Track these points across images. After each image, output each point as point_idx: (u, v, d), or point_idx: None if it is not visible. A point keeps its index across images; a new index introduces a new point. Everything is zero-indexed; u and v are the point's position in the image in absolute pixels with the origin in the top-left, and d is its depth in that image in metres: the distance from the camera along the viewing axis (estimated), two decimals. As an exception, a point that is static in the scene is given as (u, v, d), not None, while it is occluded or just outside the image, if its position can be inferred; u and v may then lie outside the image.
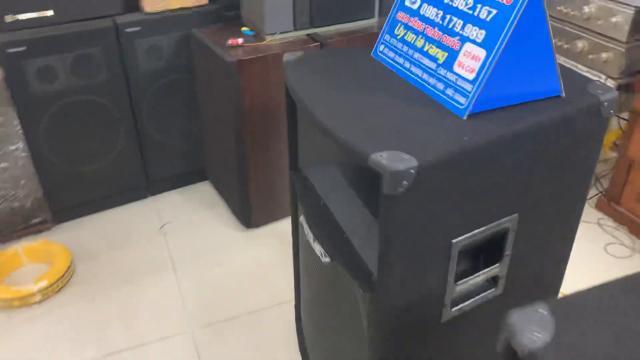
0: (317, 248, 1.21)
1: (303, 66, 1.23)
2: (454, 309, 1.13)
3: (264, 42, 1.85)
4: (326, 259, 1.18)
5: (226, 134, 1.98)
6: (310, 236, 1.25)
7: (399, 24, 1.19)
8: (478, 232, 1.06)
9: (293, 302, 1.78)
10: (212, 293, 1.84)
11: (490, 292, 1.18)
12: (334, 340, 1.37)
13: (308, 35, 1.91)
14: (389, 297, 1.02)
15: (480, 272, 1.13)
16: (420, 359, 1.19)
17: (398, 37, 1.19)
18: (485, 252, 1.15)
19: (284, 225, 2.13)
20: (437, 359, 1.23)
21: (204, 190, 2.34)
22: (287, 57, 1.26)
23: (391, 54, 1.20)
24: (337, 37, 1.90)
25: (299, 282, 1.61)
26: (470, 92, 0.98)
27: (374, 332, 1.11)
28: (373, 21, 2.01)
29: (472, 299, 1.15)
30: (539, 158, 1.05)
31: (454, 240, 1.03)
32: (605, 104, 1.07)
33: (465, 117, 0.99)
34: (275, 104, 1.88)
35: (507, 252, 1.14)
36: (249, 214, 2.06)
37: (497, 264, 1.15)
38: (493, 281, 1.17)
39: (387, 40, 1.22)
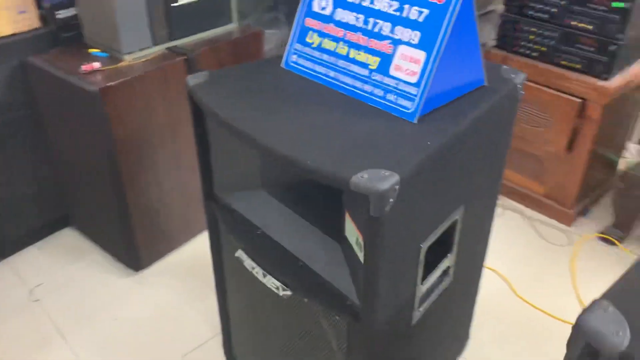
0: (271, 282, 1.12)
1: (216, 88, 1.11)
2: (420, 309, 1.14)
3: (123, 64, 1.64)
4: (285, 292, 1.10)
5: (95, 171, 1.73)
6: (257, 271, 1.14)
7: (311, 32, 1.13)
8: (438, 231, 1.07)
9: (214, 340, 1.64)
10: (118, 352, 1.61)
11: (444, 284, 1.21)
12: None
13: (169, 49, 1.75)
14: (374, 319, 0.98)
15: (438, 267, 1.15)
16: (396, 366, 1.17)
17: (313, 45, 1.13)
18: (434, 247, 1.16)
19: (176, 258, 1.95)
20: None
21: (68, 238, 2.03)
22: (192, 80, 1.12)
23: (309, 64, 1.13)
24: (201, 48, 1.77)
25: (227, 318, 1.48)
26: (416, 96, 0.97)
27: (354, 356, 1.06)
28: (232, 26, 1.91)
29: (433, 294, 1.17)
30: (477, 147, 1.09)
31: (422, 245, 1.03)
32: (518, 86, 1.15)
33: (415, 121, 0.98)
34: (151, 130, 1.69)
35: (456, 242, 1.17)
36: (136, 254, 1.84)
37: (448, 255, 1.18)
38: (445, 273, 1.20)
39: (299, 49, 1.15)
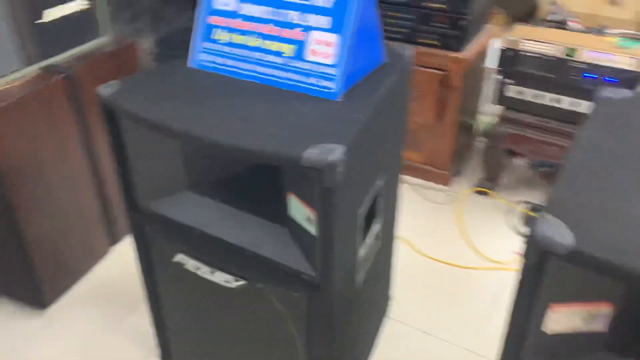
0: (220, 277, 1.13)
1: (133, 95, 1.09)
2: (362, 272, 1.23)
3: (-5, 88, 1.51)
4: (238, 283, 1.12)
5: (-22, 210, 1.57)
6: (204, 270, 1.15)
7: (216, 29, 1.16)
8: (369, 198, 1.17)
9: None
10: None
11: (375, 248, 1.31)
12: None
13: (44, 68, 1.64)
14: (331, 286, 1.05)
15: (370, 232, 1.25)
16: (349, 332, 1.25)
17: (221, 41, 1.16)
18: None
19: (83, 287, 1.84)
20: (357, 324, 1.32)
21: (-52, 292, 1.81)
22: (105, 90, 1.09)
23: (220, 60, 1.16)
24: (78, 64, 1.68)
25: (164, 331, 1.45)
26: (335, 76, 1.05)
27: (313, 330, 1.12)
28: (105, 39, 1.84)
29: (369, 258, 1.27)
30: (389, 119, 1.20)
31: (359, 211, 1.12)
32: (409, 60, 1.28)
33: (339, 99, 1.06)
34: (39, 155, 1.58)
35: (381, 208, 1.28)
36: (39, 291, 1.70)
37: (376, 221, 1.28)
38: (376, 238, 1.31)
39: (208, 47, 1.17)
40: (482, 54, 2.28)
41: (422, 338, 1.67)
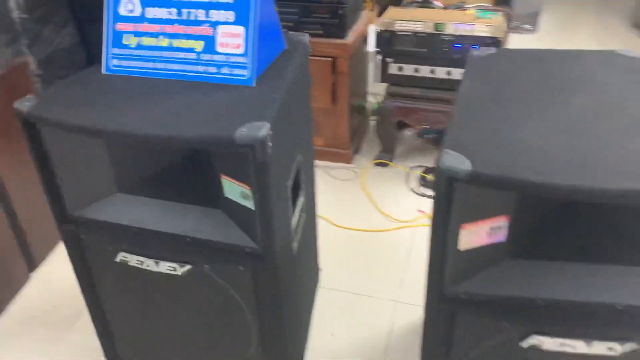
0: (166, 266, 1.19)
1: (53, 106, 1.12)
2: (296, 241, 1.35)
3: None
4: (184, 269, 1.19)
5: None
6: (148, 263, 1.20)
7: (125, 34, 1.22)
8: (293, 172, 1.28)
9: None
10: None
11: (303, 219, 1.43)
12: (198, 347, 1.38)
13: None
14: (274, 255, 1.15)
15: (297, 203, 1.37)
16: (292, 300, 1.36)
17: (131, 46, 1.22)
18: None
19: (11, 317, 1.78)
20: (297, 292, 1.43)
21: None
22: (22, 105, 1.11)
23: (132, 63, 1.22)
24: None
25: (111, 338, 1.47)
26: (247, 63, 1.16)
27: (261, 302, 1.22)
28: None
29: (299, 227, 1.39)
30: (297, 100, 1.33)
31: (287, 183, 1.23)
32: (307, 45, 1.42)
33: (253, 84, 1.16)
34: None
35: (303, 181, 1.41)
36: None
37: (301, 193, 1.40)
38: (302, 209, 1.43)
39: (118, 53, 1.22)
40: (363, 39, 2.47)
41: (354, 299, 1.82)
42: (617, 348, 0.98)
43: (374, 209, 2.23)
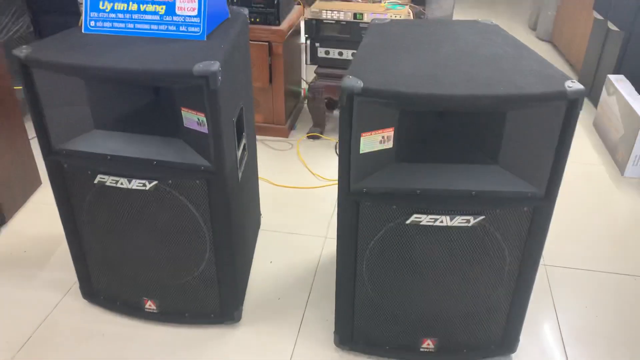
0: (137, 183, 1.50)
1: (45, 52, 1.42)
2: (241, 170, 1.69)
3: None
4: (152, 184, 1.50)
5: None
6: (122, 181, 1.51)
7: (101, 1, 1.53)
8: (237, 111, 1.63)
9: (68, 297, 1.85)
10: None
11: (246, 157, 1.78)
12: (161, 263, 1.68)
13: None
14: (224, 172, 1.49)
15: (242, 139, 1.71)
16: (239, 220, 1.70)
17: (107, 10, 1.53)
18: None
19: (-17, 262, 2.01)
20: (243, 217, 1.77)
21: None
22: (19, 52, 1.40)
23: (107, 24, 1.54)
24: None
25: (84, 260, 1.75)
26: (200, 23, 1.50)
27: (213, 213, 1.55)
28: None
29: (244, 161, 1.73)
30: (238, 55, 1.68)
31: (233, 119, 1.58)
32: (246, 16, 1.77)
33: (205, 39, 1.51)
34: None
35: (245, 125, 1.75)
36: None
37: (244, 134, 1.75)
38: (244, 148, 1.77)
39: (95, 16, 1.54)
40: (296, 30, 2.85)
41: (289, 237, 2.17)
42: (471, 220, 1.39)
43: (307, 172, 2.60)
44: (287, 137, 2.89)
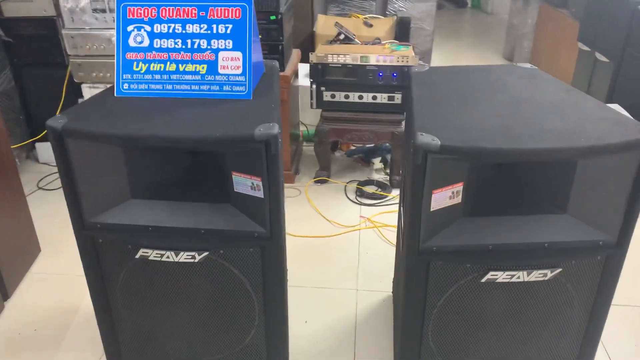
0: (185, 256, 1.39)
1: (83, 121, 1.30)
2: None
3: None
4: (202, 255, 1.39)
5: None
6: (168, 254, 1.39)
7: (135, 62, 1.43)
8: (281, 170, 1.54)
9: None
10: None
11: (284, 214, 1.68)
12: (205, 338, 1.56)
13: None
14: (280, 236, 1.40)
15: (282, 200, 1.62)
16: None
17: (142, 71, 1.43)
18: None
19: (-10, 346, 1.83)
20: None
21: None
22: (55, 122, 1.28)
23: (142, 86, 1.43)
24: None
25: (116, 342, 1.60)
26: (245, 82, 1.42)
27: (266, 284, 1.45)
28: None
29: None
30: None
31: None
32: (278, 69, 1.70)
33: (251, 98, 1.43)
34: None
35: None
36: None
37: (282, 192, 1.66)
38: (282, 206, 1.68)
39: (129, 78, 1.43)
40: (295, 73, 2.80)
41: (318, 292, 2.07)
42: (548, 273, 1.34)
43: (321, 218, 2.52)
44: (293, 182, 2.81)
